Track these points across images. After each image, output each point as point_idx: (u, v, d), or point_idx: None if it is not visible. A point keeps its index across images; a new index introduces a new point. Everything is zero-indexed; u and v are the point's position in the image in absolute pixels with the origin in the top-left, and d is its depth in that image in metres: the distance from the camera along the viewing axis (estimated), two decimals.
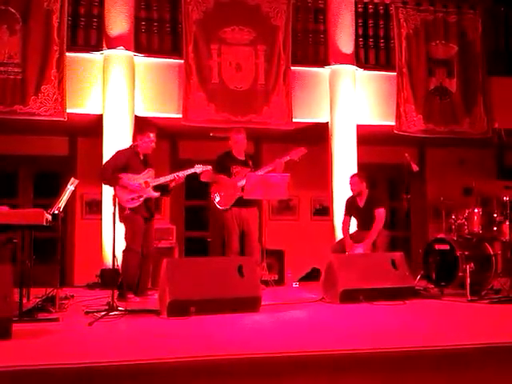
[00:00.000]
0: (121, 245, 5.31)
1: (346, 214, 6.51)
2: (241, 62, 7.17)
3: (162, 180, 5.35)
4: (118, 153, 5.40)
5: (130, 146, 5.44)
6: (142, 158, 5.36)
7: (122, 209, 5.16)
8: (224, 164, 5.89)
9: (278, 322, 4.10)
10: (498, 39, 8.22)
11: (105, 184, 5.53)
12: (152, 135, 5.36)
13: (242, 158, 6.01)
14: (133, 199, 5.16)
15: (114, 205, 4.53)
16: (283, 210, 8.69)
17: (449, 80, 7.78)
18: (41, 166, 8.14)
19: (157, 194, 5.34)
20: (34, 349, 3.14)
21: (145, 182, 5.26)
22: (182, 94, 7.01)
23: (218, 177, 5.85)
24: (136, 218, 5.21)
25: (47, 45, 6.64)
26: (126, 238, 5.23)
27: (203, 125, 7.10)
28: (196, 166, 5.46)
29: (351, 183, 6.40)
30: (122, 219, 5.20)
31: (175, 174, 5.37)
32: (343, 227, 6.46)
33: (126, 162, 5.21)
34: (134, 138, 5.49)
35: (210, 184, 5.98)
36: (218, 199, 5.85)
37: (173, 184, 5.41)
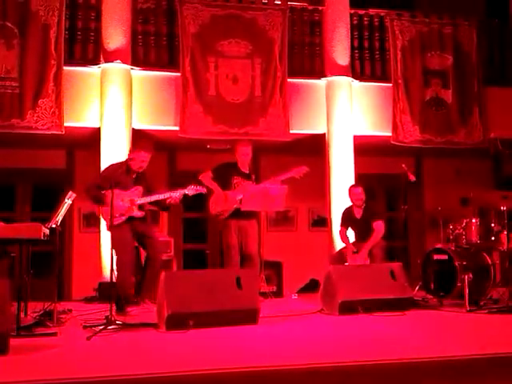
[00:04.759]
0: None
1: (342, 226, 6.52)
2: (237, 74, 7.21)
3: (148, 199, 5.21)
4: (106, 170, 5.37)
5: (126, 160, 5.40)
6: (133, 174, 5.28)
7: (108, 225, 5.10)
8: (225, 172, 5.84)
9: (277, 335, 4.09)
10: (493, 50, 8.29)
11: (91, 201, 5.31)
12: (145, 154, 5.23)
13: (246, 171, 5.97)
14: (114, 217, 5.07)
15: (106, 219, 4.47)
16: (281, 221, 8.68)
17: (444, 91, 7.83)
18: (38, 179, 8.14)
19: (140, 214, 5.20)
20: (31, 364, 3.12)
21: (130, 199, 5.17)
22: (179, 107, 7.04)
23: (212, 184, 5.80)
24: (122, 231, 5.09)
25: (44, 59, 6.67)
26: (116, 252, 5.08)
27: (200, 137, 7.12)
28: (189, 187, 5.27)
29: (359, 193, 6.34)
30: (108, 229, 5.16)
31: (164, 194, 5.24)
32: (342, 238, 6.46)
33: (114, 178, 4.94)
34: (130, 152, 5.42)
35: (208, 194, 5.95)
36: (214, 209, 5.85)
37: (169, 201, 5.28)
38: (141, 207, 5.24)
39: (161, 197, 5.25)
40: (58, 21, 6.74)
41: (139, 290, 5.23)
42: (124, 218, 5.13)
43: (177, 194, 5.23)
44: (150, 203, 5.28)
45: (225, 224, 5.80)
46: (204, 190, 5.44)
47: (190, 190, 5.26)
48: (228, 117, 7.11)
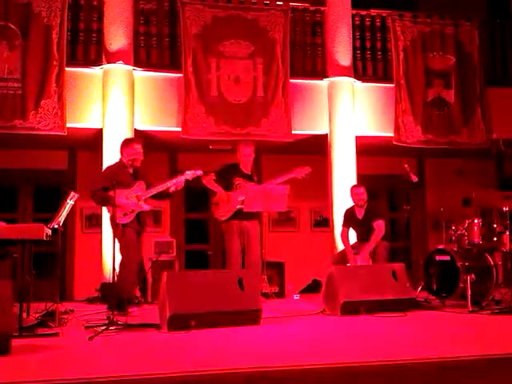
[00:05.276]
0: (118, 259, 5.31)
1: (344, 226, 6.50)
2: (239, 75, 7.21)
3: (153, 191, 5.35)
4: (105, 171, 5.42)
5: (120, 160, 5.44)
6: (131, 171, 5.36)
7: (115, 225, 5.16)
8: (227, 174, 5.88)
9: (278, 335, 4.09)
10: (495, 50, 8.28)
11: (97, 204, 5.53)
12: (137, 146, 5.37)
13: (248, 172, 5.98)
14: (125, 215, 5.17)
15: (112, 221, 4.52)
16: (283, 221, 8.68)
17: (446, 91, 7.82)
18: (40, 180, 8.15)
19: (148, 207, 5.34)
20: (33, 364, 3.12)
21: (136, 195, 5.26)
22: (181, 108, 7.04)
23: (215, 186, 5.86)
24: (129, 232, 5.18)
25: (47, 60, 6.68)
26: (122, 253, 5.21)
27: (202, 138, 7.12)
28: (186, 172, 5.44)
29: (360, 193, 6.34)
30: (115, 235, 5.19)
31: (166, 184, 5.36)
32: (343, 238, 6.45)
33: (114, 178, 4.97)
34: (121, 152, 5.47)
35: (211, 195, 5.96)
36: (216, 210, 5.86)
37: (172, 189, 5.40)
38: (154, 195, 5.35)
39: (164, 187, 5.35)
40: (60, 22, 6.75)
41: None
42: (134, 214, 5.22)
43: (179, 181, 5.37)
44: (153, 196, 5.35)
45: (227, 225, 5.81)
46: (201, 173, 5.56)
47: (188, 175, 5.42)
48: (230, 117, 7.11)
